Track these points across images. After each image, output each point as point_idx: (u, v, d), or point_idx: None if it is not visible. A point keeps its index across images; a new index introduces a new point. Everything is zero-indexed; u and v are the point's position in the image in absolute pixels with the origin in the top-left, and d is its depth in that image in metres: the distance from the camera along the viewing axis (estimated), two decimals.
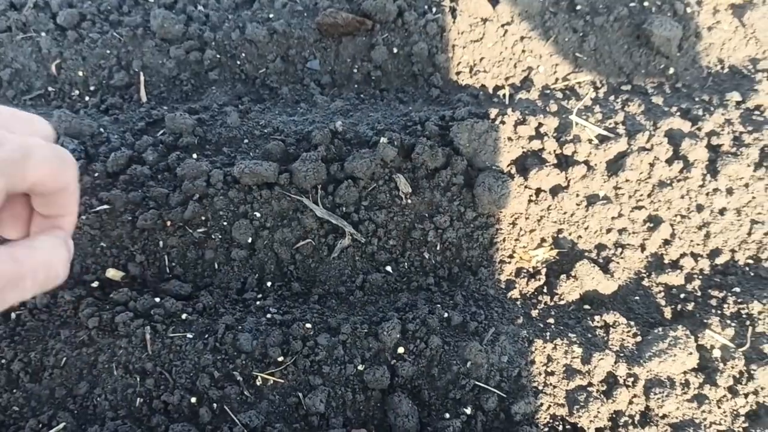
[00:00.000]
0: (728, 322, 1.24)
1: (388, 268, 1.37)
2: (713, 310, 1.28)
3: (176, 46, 1.68)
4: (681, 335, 1.20)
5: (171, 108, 1.59)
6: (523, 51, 1.69)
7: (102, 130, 1.51)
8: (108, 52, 1.69)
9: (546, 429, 1.14)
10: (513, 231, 1.40)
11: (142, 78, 1.66)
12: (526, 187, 1.41)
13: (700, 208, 1.40)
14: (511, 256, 1.39)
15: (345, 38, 1.71)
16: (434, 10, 1.74)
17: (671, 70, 1.68)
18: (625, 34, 1.71)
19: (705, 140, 1.46)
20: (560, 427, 1.14)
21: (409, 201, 1.40)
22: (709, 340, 1.22)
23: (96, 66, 1.68)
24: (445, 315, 1.25)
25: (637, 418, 1.15)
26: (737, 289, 1.31)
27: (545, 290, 1.34)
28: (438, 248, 1.38)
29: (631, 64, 1.69)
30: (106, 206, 1.36)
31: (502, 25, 1.70)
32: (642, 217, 1.40)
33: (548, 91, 1.63)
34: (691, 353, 1.18)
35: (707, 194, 1.40)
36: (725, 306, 1.28)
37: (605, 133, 1.47)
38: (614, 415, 1.15)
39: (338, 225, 1.37)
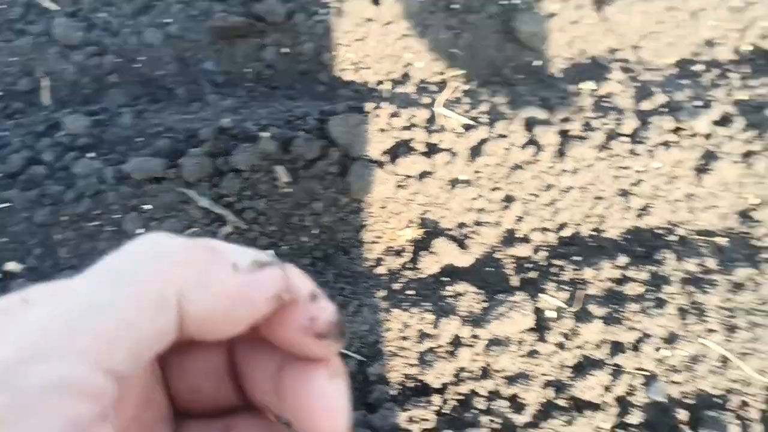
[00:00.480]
0: (564, 287, 1.41)
1: (270, 252, 1.51)
2: (552, 277, 1.44)
3: (77, 51, 1.79)
4: (520, 300, 1.37)
5: (72, 111, 1.70)
6: (404, 48, 1.83)
7: (5, 133, 1.62)
8: (13, 59, 1.79)
9: (398, 386, 1.29)
10: (383, 214, 1.55)
11: (45, 83, 1.77)
12: (395, 173, 1.56)
13: (549, 187, 1.56)
14: (380, 237, 1.54)
15: (238, 40, 1.83)
16: (322, 11, 1.87)
17: (538, 63, 1.84)
18: (496, 31, 1.86)
19: (557, 126, 1.62)
20: (411, 384, 1.30)
21: (289, 190, 1.54)
22: (544, 304, 1.38)
23: (2, 73, 1.78)
24: None
25: (477, 373, 1.31)
26: (577, 258, 1.48)
27: (409, 266, 1.49)
28: (315, 232, 1.53)
29: (502, 57, 1.85)
30: (6, 204, 1.48)
31: (384, 25, 1.84)
32: (498, 197, 1.56)
33: (424, 85, 1.78)
34: (527, 315, 1.35)
35: (556, 175, 1.57)
36: (563, 273, 1.45)
37: (469, 122, 1.62)
38: (458, 372, 1.31)
39: (221, 214, 1.51)
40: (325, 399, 0.36)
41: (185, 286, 0.32)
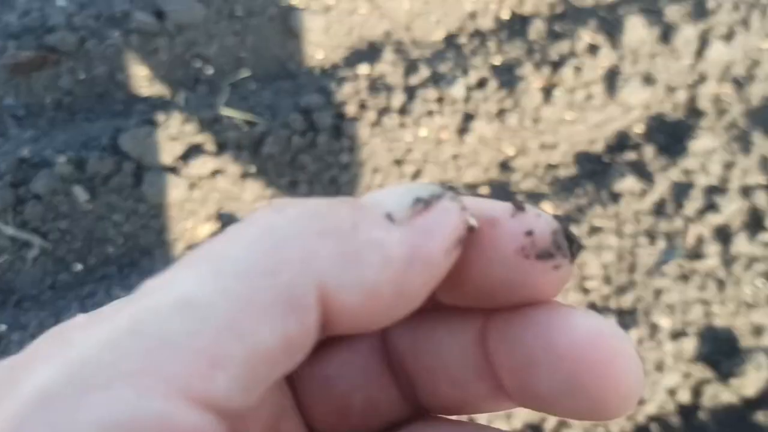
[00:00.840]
0: None
1: (78, 267, 1.64)
2: None
3: None
4: None
5: None
6: (193, 57, 1.97)
7: None
8: None
9: None
10: (181, 214, 1.70)
11: None
12: (188, 176, 1.70)
13: (329, 167, 1.74)
14: (182, 236, 1.68)
15: (34, 73, 1.93)
16: (113, 34, 1.98)
17: (321, 55, 2.02)
18: (278, 31, 2.02)
19: (334, 109, 1.80)
20: None
21: (89, 207, 1.66)
22: None
23: None
24: (121, 294, 1.53)
25: None
26: None
27: None
28: (119, 242, 1.66)
29: (286, 54, 2.01)
30: None
31: (172, 38, 1.97)
32: (285, 183, 1.72)
33: (215, 90, 1.92)
34: None
35: (335, 155, 1.75)
36: None
37: (253, 119, 1.78)
38: None
39: (27, 239, 1.62)
40: (598, 340, 0.23)
41: (328, 269, 0.21)
